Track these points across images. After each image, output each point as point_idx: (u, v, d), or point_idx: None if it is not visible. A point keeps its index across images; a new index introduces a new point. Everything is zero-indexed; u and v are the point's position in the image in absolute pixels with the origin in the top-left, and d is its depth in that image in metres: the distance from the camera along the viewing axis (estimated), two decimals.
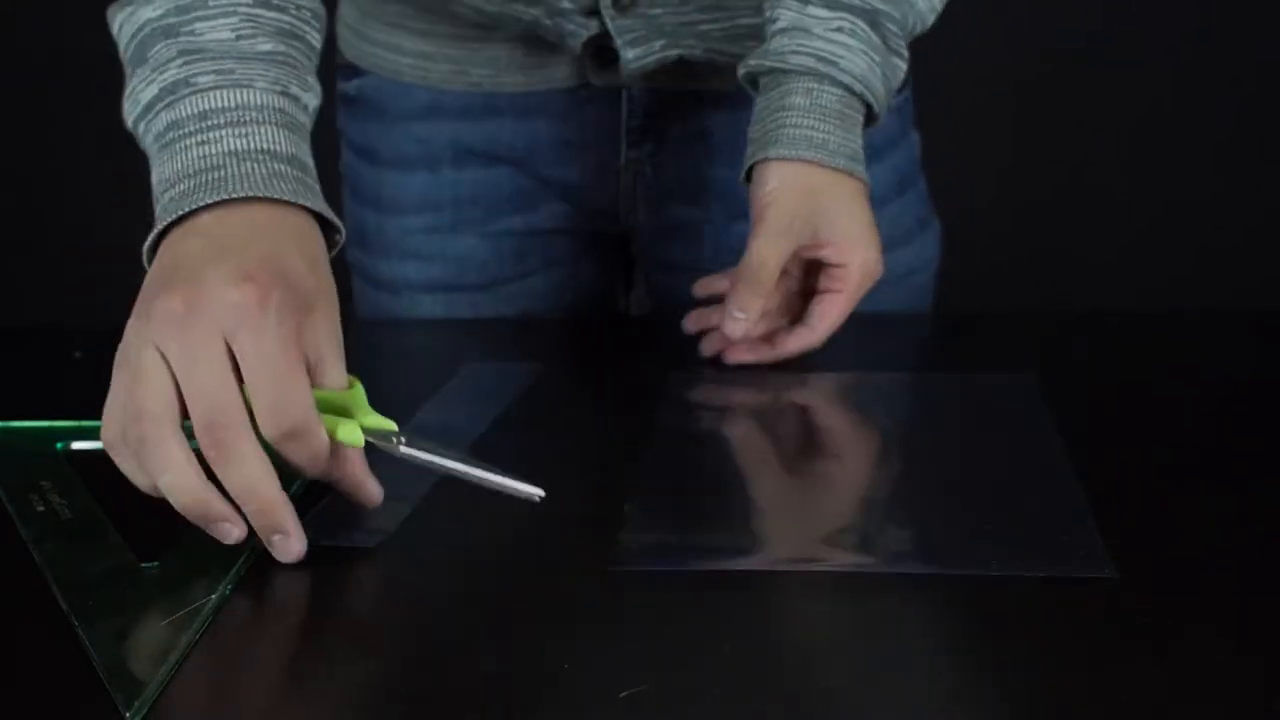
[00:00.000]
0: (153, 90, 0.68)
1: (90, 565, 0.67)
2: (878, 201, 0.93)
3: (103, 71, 2.23)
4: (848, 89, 0.89)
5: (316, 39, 0.74)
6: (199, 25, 0.68)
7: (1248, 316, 1.03)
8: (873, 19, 0.90)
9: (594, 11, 0.98)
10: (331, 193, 1.14)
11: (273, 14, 0.70)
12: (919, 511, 0.72)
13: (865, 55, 0.89)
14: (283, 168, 0.66)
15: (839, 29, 0.89)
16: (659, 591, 0.64)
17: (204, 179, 0.65)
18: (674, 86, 1.04)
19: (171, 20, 0.69)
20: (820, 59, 0.88)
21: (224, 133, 0.66)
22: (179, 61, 0.68)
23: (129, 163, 2.39)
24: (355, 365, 0.75)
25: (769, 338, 0.92)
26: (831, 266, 0.89)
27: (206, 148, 0.66)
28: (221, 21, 0.68)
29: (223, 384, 0.61)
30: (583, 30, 0.98)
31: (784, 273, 0.90)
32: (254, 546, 0.67)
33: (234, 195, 0.64)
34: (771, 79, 0.91)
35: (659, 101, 1.05)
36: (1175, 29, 2.06)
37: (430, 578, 0.67)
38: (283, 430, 0.62)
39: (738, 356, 0.91)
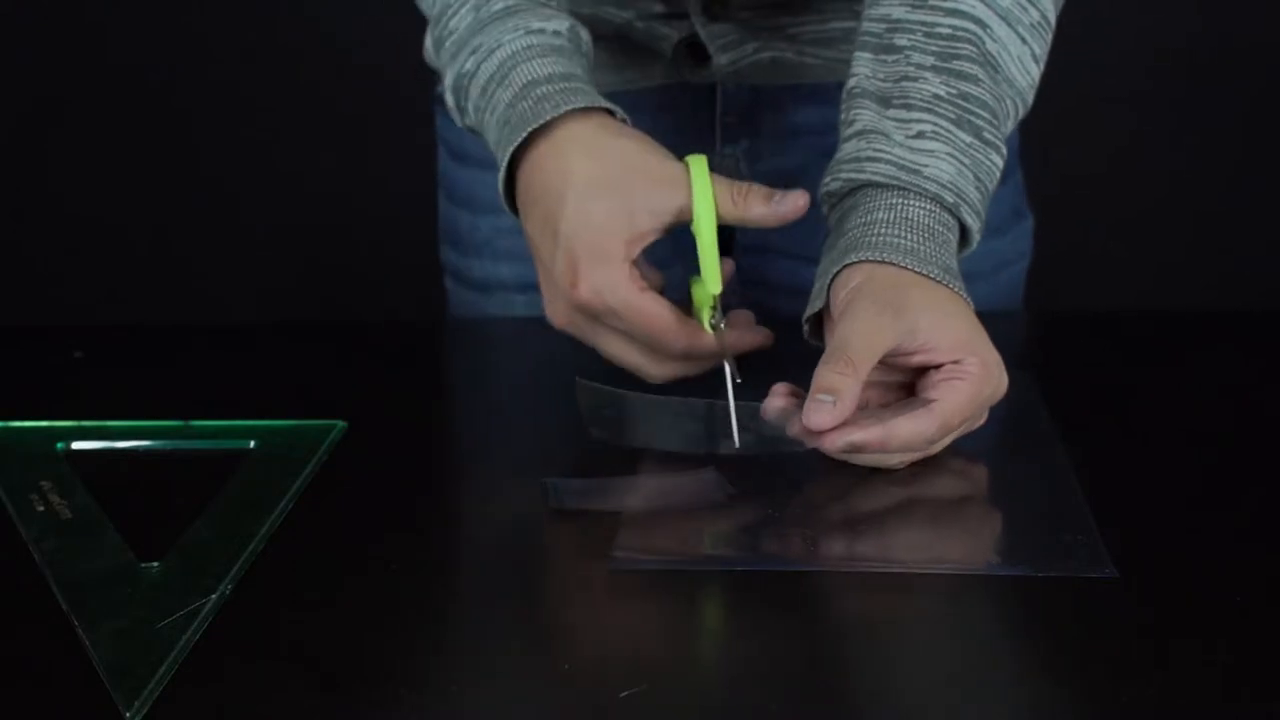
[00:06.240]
0: (450, 98, 0.87)
1: (90, 565, 0.67)
2: None
3: (103, 72, 2.23)
4: (937, 200, 0.78)
5: None
6: (451, 23, 0.87)
7: (1248, 316, 1.03)
8: (959, 114, 0.78)
9: (685, 15, 0.98)
10: (428, 193, 1.14)
11: None
12: (919, 511, 0.72)
13: (952, 160, 0.78)
14: (543, 89, 0.81)
15: (919, 134, 0.78)
16: (659, 591, 0.64)
17: (505, 135, 0.82)
18: (768, 82, 1.03)
19: (437, 32, 0.88)
20: (902, 167, 0.78)
21: (500, 94, 0.83)
22: (451, 63, 0.86)
23: (129, 163, 2.37)
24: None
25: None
26: (945, 365, 0.74)
27: (497, 112, 0.83)
28: (464, 11, 0.86)
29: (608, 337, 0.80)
30: (674, 33, 0.99)
31: (875, 387, 0.76)
32: (253, 547, 0.68)
33: (520, 139, 0.80)
34: (847, 201, 0.81)
35: (753, 96, 1.04)
36: (1172, 29, 2.06)
37: (430, 577, 0.67)
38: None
39: (823, 443, 0.72)
